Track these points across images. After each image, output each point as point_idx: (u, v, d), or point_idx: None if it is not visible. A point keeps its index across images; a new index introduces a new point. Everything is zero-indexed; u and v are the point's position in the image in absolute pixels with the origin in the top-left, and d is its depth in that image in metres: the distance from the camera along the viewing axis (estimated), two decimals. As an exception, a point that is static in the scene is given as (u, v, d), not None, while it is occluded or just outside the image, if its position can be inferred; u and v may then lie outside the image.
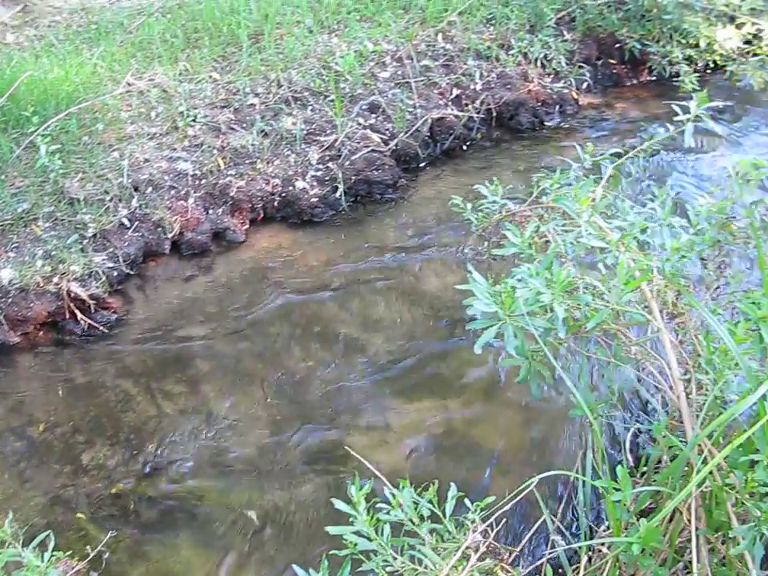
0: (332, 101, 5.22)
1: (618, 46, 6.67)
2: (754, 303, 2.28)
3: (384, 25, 6.00)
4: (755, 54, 6.63)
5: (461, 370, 3.71)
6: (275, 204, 4.82)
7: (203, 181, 4.74)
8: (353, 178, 4.95)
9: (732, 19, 6.73)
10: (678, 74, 6.40)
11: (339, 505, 1.92)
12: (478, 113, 5.67)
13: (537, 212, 3.13)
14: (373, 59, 5.71)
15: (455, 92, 5.70)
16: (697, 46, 6.61)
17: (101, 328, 4.04)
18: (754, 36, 6.66)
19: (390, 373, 3.78)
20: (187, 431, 3.47)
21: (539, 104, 5.96)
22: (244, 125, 5.10)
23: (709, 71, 6.75)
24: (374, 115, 5.34)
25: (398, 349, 3.89)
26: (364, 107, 5.34)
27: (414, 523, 1.94)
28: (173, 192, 4.64)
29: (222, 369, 3.81)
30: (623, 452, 3.05)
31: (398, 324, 4.04)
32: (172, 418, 3.54)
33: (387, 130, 5.27)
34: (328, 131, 5.14)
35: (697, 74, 6.43)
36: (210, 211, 4.68)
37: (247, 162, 4.91)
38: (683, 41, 6.62)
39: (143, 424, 3.51)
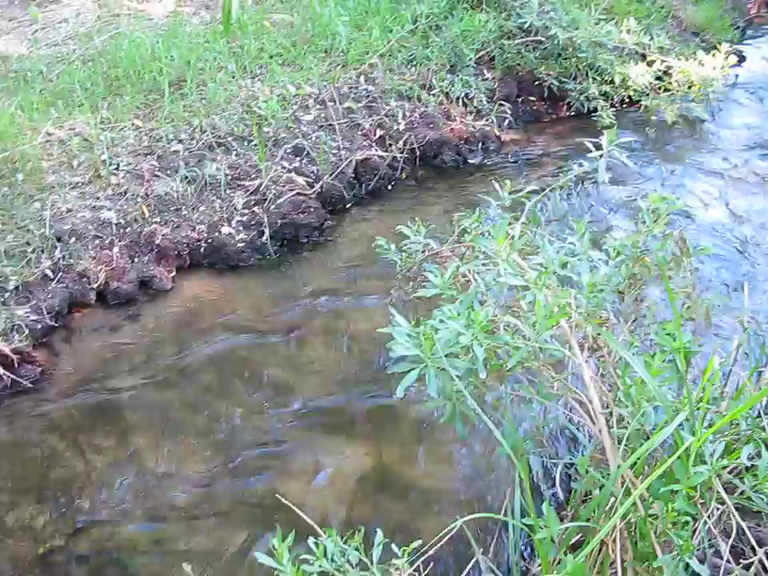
0: (256, 145, 5.22)
1: (537, 83, 6.84)
2: (669, 335, 2.34)
3: (306, 68, 6.05)
4: (666, 90, 6.89)
5: (393, 411, 3.72)
6: (202, 250, 4.79)
7: (128, 229, 4.69)
8: (279, 221, 4.95)
9: (643, 57, 6.98)
10: (595, 109, 6.61)
11: (262, 558, 1.89)
12: (401, 153, 5.74)
13: (460, 251, 3.17)
14: (296, 103, 5.74)
15: (379, 133, 5.77)
16: (612, 82, 6.84)
17: (25, 383, 3.94)
18: (664, 72, 6.93)
19: (323, 416, 3.76)
20: (117, 484, 3.39)
21: (462, 142, 6.06)
22: (168, 172, 5.07)
23: (625, 105, 6.98)
24: (298, 158, 5.36)
25: (330, 392, 3.88)
26: (288, 151, 5.36)
27: (341, 572, 1.93)
28: (97, 241, 4.58)
29: (151, 419, 3.75)
30: (555, 486, 3.09)
31: (329, 367, 4.03)
32: (101, 471, 3.46)
33: (312, 172, 5.29)
34: (253, 176, 5.14)
35: (613, 109, 6.66)
36: (136, 260, 4.63)
37: (172, 208, 4.88)
38: (599, 77, 6.85)
39: (71, 480, 3.42)
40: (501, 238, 2.40)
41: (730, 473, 2.47)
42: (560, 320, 2.24)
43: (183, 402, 3.86)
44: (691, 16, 8.35)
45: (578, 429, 2.93)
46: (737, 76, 7.82)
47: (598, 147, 3.02)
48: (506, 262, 2.34)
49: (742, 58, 8.19)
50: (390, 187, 5.68)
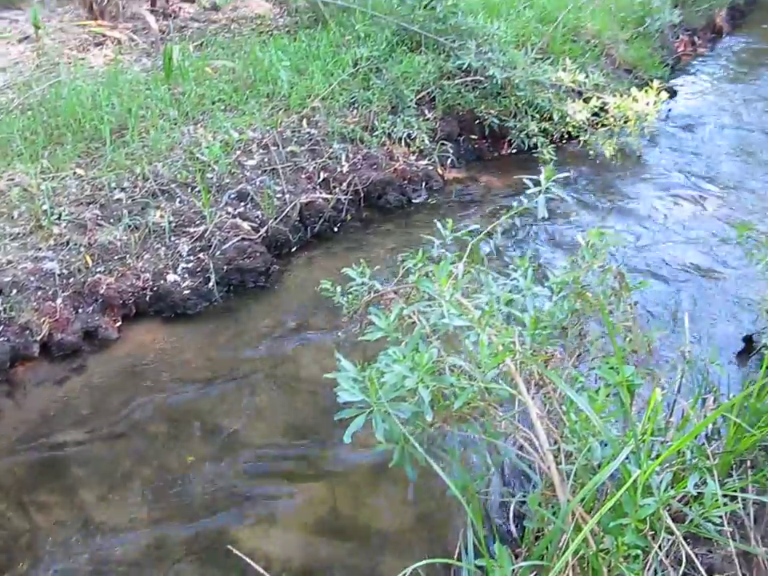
0: (200, 191, 5.21)
1: (478, 122, 6.98)
2: (612, 369, 2.38)
3: (249, 113, 6.08)
4: (603, 125, 7.07)
5: (345, 454, 3.70)
6: (147, 299, 4.74)
7: (71, 279, 4.63)
8: (225, 267, 4.94)
9: (580, 94, 7.17)
10: (536, 146, 6.75)
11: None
12: (346, 194, 5.78)
13: (405, 291, 3.19)
14: (239, 148, 5.76)
15: (323, 175, 5.80)
16: (551, 119, 7.01)
17: (-35, 441, 3.85)
18: (601, 108, 7.12)
19: (274, 463, 3.74)
20: (64, 543, 3.30)
21: (406, 182, 6.13)
22: (111, 220, 5.03)
23: (565, 141, 7.14)
24: (242, 203, 5.36)
25: (280, 437, 3.86)
26: (232, 196, 5.36)
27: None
28: (40, 293, 4.51)
29: (99, 474, 3.66)
30: (509, 524, 3.09)
31: (279, 412, 4.01)
32: (47, 530, 3.36)
33: (257, 217, 5.29)
34: (197, 222, 5.12)
35: (554, 145, 6.81)
36: (80, 310, 4.57)
37: (116, 257, 4.84)
38: (538, 115, 7.01)
39: (14, 541, 3.33)
40: (443, 279, 2.42)
41: (680, 501, 2.52)
42: (505, 358, 2.27)
43: (132, 453, 3.79)
44: (623, 54, 8.60)
45: (529, 466, 2.95)
46: (669, 110, 8.09)
47: (537, 184, 3.08)
48: (449, 303, 2.36)
49: (672, 94, 8.48)
50: (335, 229, 5.71)
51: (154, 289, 4.76)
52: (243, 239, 5.09)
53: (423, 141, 6.43)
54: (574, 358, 2.82)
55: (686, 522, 2.41)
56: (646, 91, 7.07)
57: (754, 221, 5.90)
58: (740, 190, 6.48)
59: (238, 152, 5.73)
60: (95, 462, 3.74)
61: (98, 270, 4.73)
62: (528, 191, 3.05)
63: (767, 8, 12.50)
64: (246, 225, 5.19)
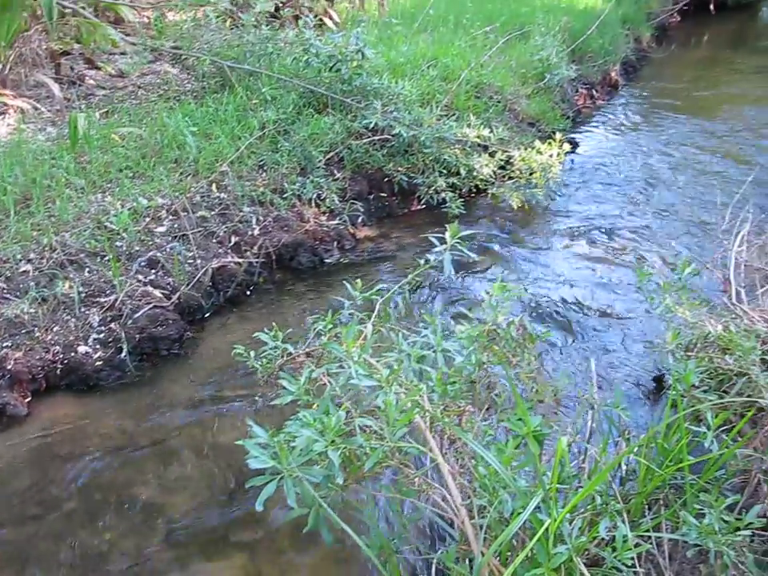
0: (109, 260, 5.15)
1: (387, 179, 7.09)
2: (519, 420, 2.43)
3: (157, 180, 6.05)
4: (510, 177, 7.29)
5: (266, 520, 3.65)
6: (58, 372, 4.63)
7: (-24, 356, 4.51)
8: (137, 336, 4.87)
9: (485, 148, 7.37)
10: (444, 201, 6.88)
11: None
12: (258, 257, 5.79)
13: (318, 353, 3.20)
14: (148, 215, 5.72)
15: (234, 239, 5.80)
16: (458, 174, 7.17)
17: None
18: (507, 162, 7.34)
19: (194, 533, 3.65)
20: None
21: (318, 242, 6.18)
22: (17, 293, 4.92)
23: (473, 195, 7.31)
24: (153, 271, 5.32)
25: (200, 507, 3.79)
26: (143, 264, 5.31)
27: None
28: (-57, 373, 4.38)
29: (9, 559, 3.52)
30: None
31: (197, 481, 3.95)
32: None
33: (168, 284, 5.25)
34: (108, 292, 5.05)
35: (462, 199, 6.97)
36: (-14, 388, 4.44)
37: (24, 331, 4.72)
38: (445, 170, 7.16)
39: None
40: (350, 341, 2.45)
41: (598, 545, 2.56)
42: (413, 417, 2.30)
43: (46, 534, 3.66)
44: (526, 109, 8.90)
45: (449, 523, 2.97)
46: (572, 160, 8.38)
47: (443, 241, 3.15)
48: (357, 364, 2.39)
49: (575, 145, 8.80)
50: (248, 293, 5.69)
51: (65, 362, 4.65)
52: (155, 307, 5.03)
53: (333, 201, 6.50)
54: (484, 411, 2.87)
55: (604, 566, 2.45)
56: (549, 143, 7.33)
57: (653, 258, 6.15)
58: (638, 232, 6.74)
59: (148, 219, 5.69)
60: (4, 546, 3.59)
61: (5, 344, 4.60)
62: (434, 249, 3.12)
63: (657, 63, 13.20)
64: (157, 292, 5.15)
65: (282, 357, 3.35)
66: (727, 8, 16.13)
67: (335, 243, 6.31)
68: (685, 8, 15.66)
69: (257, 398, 4.23)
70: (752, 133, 9.51)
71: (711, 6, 16.02)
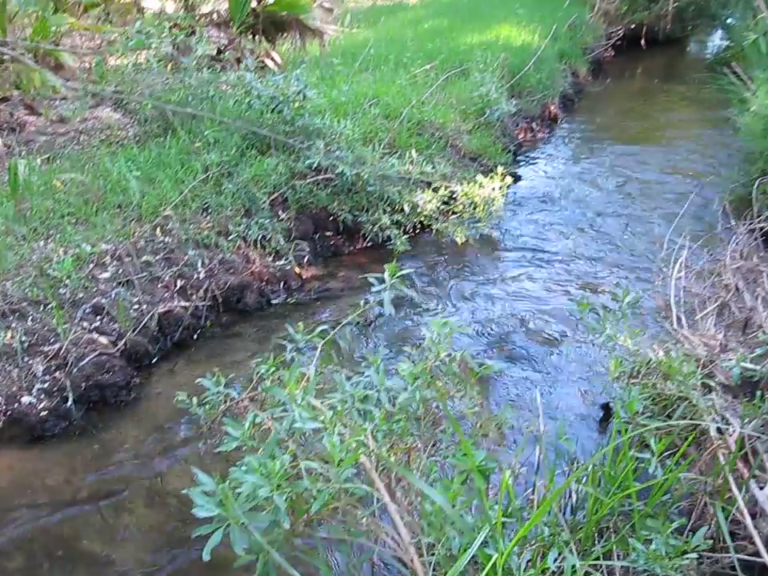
0: (52, 308, 5.09)
1: (332, 218, 7.13)
2: (465, 455, 2.46)
3: (100, 225, 6.00)
4: (454, 212, 7.38)
5: (219, 568, 3.59)
6: (1, 424, 4.55)
7: None
8: (83, 384, 4.80)
9: (429, 184, 7.46)
10: (389, 238, 6.93)
11: None
12: (204, 301, 5.77)
13: (261, 397, 3.20)
14: (92, 261, 5.66)
15: (179, 283, 5.77)
16: (402, 210, 7.23)
17: None
18: (450, 197, 7.43)
19: (144, 586, 3.61)
20: None
21: (264, 283, 6.18)
22: (-42, 345, 4.84)
23: (418, 231, 7.37)
24: (98, 317, 5.26)
25: (151, 557, 3.74)
26: (87, 311, 5.25)
27: None
28: None
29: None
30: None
31: (146, 531, 3.90)
32: None
33: (114, 330, 5.20)
34: (51, 340, 4.98)
35: (407, 235, 7.02)
36: (-74, 444, 4.34)
37: (-35, 384, 4.64)
38: (389, 207, 7.21)
39: None
40: (293, 384, 2.46)
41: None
42: (358, 457, 2.31)
43: (-12, 595, 3.59)
44: (467, 144, 9.01)
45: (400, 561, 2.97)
46: (515, 194, 8.51)
47: (383, 281, 3.18)
48: (300, 406, 2.39)
49: (517, 178, 8.95)
50: (195, 336, 5.67)
51: (8, 413, 4.57)
52: (101, 354, 4.98)
53: (279, 241, 6.51)
54: (430, 447, 2.88)
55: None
56: (492, 177, 7.43)
57: (595, 285, 6.26)
58: (581, 262, 6.86)
59: (91, 265, 5.63)
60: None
61: (-55, 398, 4.52)
62: (373, 289, 3.15)
63: (594, 96, 13.55)
64: (103, 339, 5.09)
65: (225, 402, 3.34)
66: (658, 43, 16.78)
67: (282, 284, 6.32)
68: (618, 43, 16.25)
69: (201, 444, 4.19)
70: (683, 158, 9.82)
71: (642, 42, 16.67)
